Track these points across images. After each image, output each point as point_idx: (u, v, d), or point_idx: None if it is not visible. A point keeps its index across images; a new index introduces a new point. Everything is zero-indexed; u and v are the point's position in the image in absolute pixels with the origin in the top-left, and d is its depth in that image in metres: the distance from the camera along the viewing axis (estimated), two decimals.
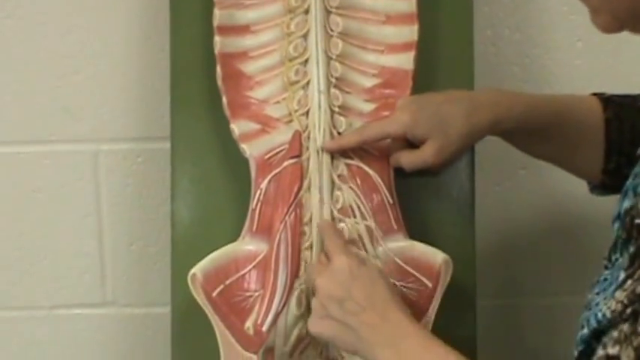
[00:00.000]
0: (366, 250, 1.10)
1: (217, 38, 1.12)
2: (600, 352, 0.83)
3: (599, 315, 0.86)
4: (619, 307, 0.83)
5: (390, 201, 1.11)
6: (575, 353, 0.91)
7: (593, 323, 0.87)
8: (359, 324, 0.98)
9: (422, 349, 0.95)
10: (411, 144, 1.11)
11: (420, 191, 1.16)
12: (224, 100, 1.12)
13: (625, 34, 0.87)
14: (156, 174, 1.37)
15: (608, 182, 1.12)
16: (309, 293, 1.08)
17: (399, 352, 0.95)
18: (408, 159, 1.11)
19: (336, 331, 1.00)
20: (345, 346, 1.01)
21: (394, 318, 0.98)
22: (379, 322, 0.97)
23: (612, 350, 0.81)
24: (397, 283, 1.08)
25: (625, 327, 0.81)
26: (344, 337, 0.99)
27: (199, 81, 1.16)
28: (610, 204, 1.02)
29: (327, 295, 1.00)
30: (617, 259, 0.91)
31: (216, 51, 1.12)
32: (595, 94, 1.15)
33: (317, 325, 1.02)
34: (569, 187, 1.28)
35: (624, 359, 0.79)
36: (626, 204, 0.93)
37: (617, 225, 0.94)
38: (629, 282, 0.83)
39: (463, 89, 1.16)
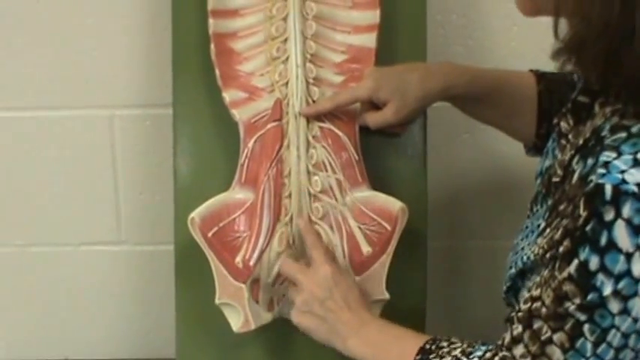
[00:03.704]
0: (336, 199, 1.07)
1: (211, 21, 1.10)
2: (526, 294, 0.82)
3: (525, 258, 0.85)
4: (540, 251, 0.81)
5: (356, 158, 1.08)
6: (504, 288, 0.92)
7: (520, 264, 0.87)
8: (335, 320, 0.97)
9: (380, 332, 0.96)
10: (376, 107, 1.09)
11: (381, 150, 1.14)
12: (217, 72, 1.09)
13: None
14: (161, 135, 1.35)
15: (540, 145, 1.08)
16: (290, 233, 1.07)
17: (365, 339, 0.96)
18: (372, 118, 1.09)
19: (316, 324, 0.99)
20: (320, 335, 1.00)
21: (364, 316, 0.98)
22: (352, 319, 0.97)
23: (535, 293, 0.80)
24: (362, 226, 1.07)
25: (545, 272, 0.79)
26: (321, 329, 0.99)
27: (197, 57, 1.13)
28: (535, 162, 1.02)
29: (312, 295, 0.99)
30: (537, 210, 0.90)
31: (210, 31, 1.10)
32: (531, 70, 1.12)
33: (299, 317, 1.00)
34: (504, 148, 1.27)
35: (545, 299, 0.78)
36: (547, 163, 0.93)
37: (539, 180, 0.93)
38: (548, 230, 0.81)
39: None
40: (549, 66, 1.08)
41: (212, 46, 1.09)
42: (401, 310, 1.08)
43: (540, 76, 1.10)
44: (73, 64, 1.34)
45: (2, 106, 1.36)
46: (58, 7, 1.31)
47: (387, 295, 1.06)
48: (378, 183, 1.10)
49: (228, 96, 1.09)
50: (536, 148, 1.10)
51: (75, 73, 1.34)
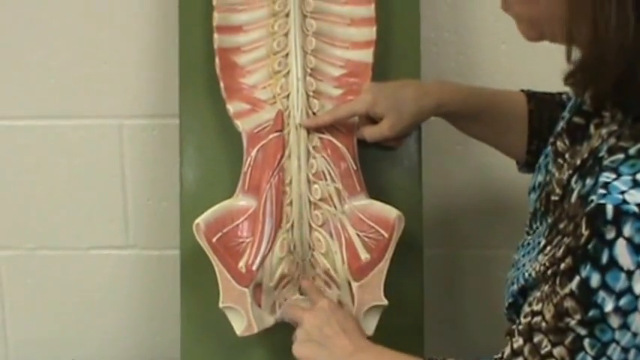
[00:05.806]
0: (335, 207, 1.05)
1: (216, 36, 1.08)
2: (527, 309, 0.79)
3: (526, 275, 0.82)
4: (542, 268, 0.79)
5: (355, 168, 1.06)
6: (506, 304, 0.88)
7: (521, 281, 0.84)
8: (333, 345, 0.94)
9: (377, 356, 0.92)
10: (372, 121, 1.07)
11: (378, 161, 1.12)
12: (221, 85, 1.08)
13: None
14: (167, 144, 1.33)
15: (532, 161, 1.05)
16: (291, 240, 1.04)
17: None
18: (369, 132, 1.06)
19: (314, 350, 0.95)
20: None
21: (361, 342, 0.95)
22: (348, 344, 0.94)
23: (536, 307, 0.77)
24: (360, 233, 1.05)
25: (546, 288, 0.76)
26: (319, 354, 0.95)
27: (202, 70, 1.12)
28: (523, 175, 1.00)
29: (311, 324, 0.97)
30: (537, 227, 0.87)
31: (215, 46, 1.08)
32: (521, 90, 1.09)
33: (299, 348, 0.97)
34: (496, 161, 1.23)
35: (546, 313, 0.75)
36: (539, 178, 0.90)
37: (533, 196, 0.92)
38: (549, 248, 0.79)
39: (412, 79, 1.13)
40: (533, 80, 1.09)
41: (217, 59, 1.08)
42: (399, 317, 1.06)
43: (531, 95, 1.08)
44: (84, 75, 1.33)
45: (16, 115, 1.35)
46: (70, 21, 1.31)
47: (385, 301, 1.03)
48: (375, 193, 1.08)
49: (232, 107, 1.07)
50: (527, 164, 1.07)
51: (86, 84, 1.33)
